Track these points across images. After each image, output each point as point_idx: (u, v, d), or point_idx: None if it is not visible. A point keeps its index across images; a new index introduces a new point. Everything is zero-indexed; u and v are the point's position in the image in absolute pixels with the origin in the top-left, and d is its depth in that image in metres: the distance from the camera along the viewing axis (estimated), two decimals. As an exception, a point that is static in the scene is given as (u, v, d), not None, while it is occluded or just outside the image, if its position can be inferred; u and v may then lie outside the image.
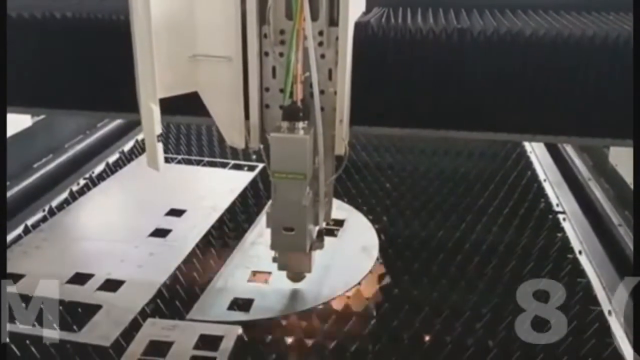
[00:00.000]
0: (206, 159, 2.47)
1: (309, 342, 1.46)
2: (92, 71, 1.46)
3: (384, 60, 1.35)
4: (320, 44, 1.32)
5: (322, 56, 1.33)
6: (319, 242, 1.52)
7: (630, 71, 1.26)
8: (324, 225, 1.53)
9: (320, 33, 1.31)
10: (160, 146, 1.29)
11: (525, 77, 1.32)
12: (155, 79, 1.23)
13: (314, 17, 1.28)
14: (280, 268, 1.57)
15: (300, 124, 1.32)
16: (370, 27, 1.34)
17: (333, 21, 1.31)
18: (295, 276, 1.61)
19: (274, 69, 1.36)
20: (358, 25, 1.34)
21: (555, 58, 1.31)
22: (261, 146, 1.42)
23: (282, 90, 1.33)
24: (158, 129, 1.27)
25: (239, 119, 1.37)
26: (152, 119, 1.25)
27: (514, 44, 1.31)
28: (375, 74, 1.37)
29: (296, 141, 1.32)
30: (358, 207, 2.11)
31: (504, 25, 1.34)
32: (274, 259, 1.53)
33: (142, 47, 1.21)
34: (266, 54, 1.35)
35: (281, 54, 1.33)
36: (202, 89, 1.35)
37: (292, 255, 1.52)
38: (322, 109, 1.34)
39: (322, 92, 1.34)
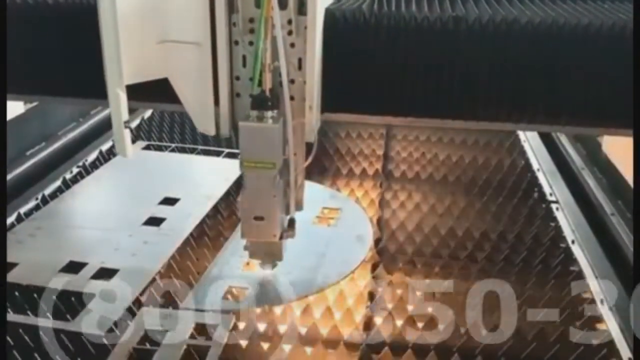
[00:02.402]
0: (200, 147, 2.46)
1: (303, 330, 1.47)
2: (85, 57, 1.45)
3: (378, 47, 1.35)
4: (290, 32, 1.31)
5: (292, 45, 1.32)
6: (290, 231, 1.53)
7: (624, 60, 1.26)
8: (295, 214, 1.53)
9: (289, 22, 1.30)
10: (127, 132, 1.28)
11: (520, 66, 1.32)
12: (121, 65, 1.22)
13: (283, 6, 1.27)
14: (252, 256, 1.58)
15: (270, 113, 1.32)
16: (362, 15, 1.33)
17: (302, 10, 1.29)
18: (267, 263, 1.62)
19: (244, 57, 1.35)
20: (349, 12, 1.33)
21: (550, 46, 1.30)
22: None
23: (252, 79, 1.32)
24: (125, 115, 1.26)
25: (209, 106, 1.37)
26: (119, 105, 1.25)
27: (509, 32, 1.30)
28: (370, 61, 1.36)
29: (265, 130, 1.32)
30: (352, 195, 2.11)
31: (499, 13, 1.34)
32: (246, 247, 1.55)
33: (107, 33, 1.20)
34: (236, 42, 1.34)
35: (251, 43, 1.32)
36: (172, 76, 1.34)
37: (264, 243, 1.53)
38: (292, 98, 1.33)
39: (292, 81, 1.33)
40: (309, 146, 1.43)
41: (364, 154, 2.42)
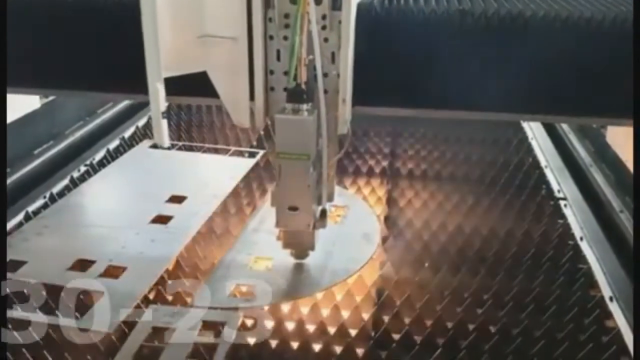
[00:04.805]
0: (207, 145, 2.46)
1: (311, 328, 1.47)
2: (104, 52, 1.46)
3: (386, 41, 1.37)
4: (324, 27, 1.34)
5: (326, 40, 1.35)
6: (321, 221, 1.55)
7: (625, 51, 1.27)
8: (327, 205, 1.56)
9: (324, 17, 1.33)
10: (165, 122, 1.31)
11: (524, 58, 1.34)
12: (160, 59, 1.25)
13: (318, 1, 1.30)
14: (285, 246, 1.60)
15: (304, 106, 1.35)
16: (374, 9, 1.35)
17: (336, 5, 1.32)
18: (299, 253, 1.65)
19: (278, 52, 1.37)
20: (361, 6, 1.35)
21: (553, 39, 1.32)
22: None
23: (286, 73, 1.35)
24: (163, 107, 1.29)
25: (245, 99, 1.39)
26: (158, 97, 1.27)
27: (514, 26, 1.32)
28: (378, 55, 1.38)
29: (300, 122, 1.35)
30: (359, 193, 2.11)
31: (504, 7, 1.36)
32: (279, 237, 1.57)
33: (147, 27, 1.23)
34: (271, 37, 1.36)
35: (285, 38, 1.35)
36: (210, 69, 1.37)
37: (296, 233, 1.56)
38: (325, 91, 1.36)
39: (325, 74, 1.36)
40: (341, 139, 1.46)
41: (371, 152, 2.42)
